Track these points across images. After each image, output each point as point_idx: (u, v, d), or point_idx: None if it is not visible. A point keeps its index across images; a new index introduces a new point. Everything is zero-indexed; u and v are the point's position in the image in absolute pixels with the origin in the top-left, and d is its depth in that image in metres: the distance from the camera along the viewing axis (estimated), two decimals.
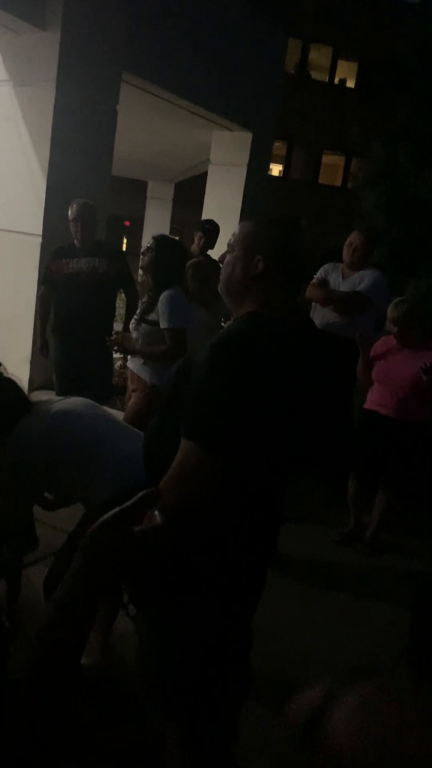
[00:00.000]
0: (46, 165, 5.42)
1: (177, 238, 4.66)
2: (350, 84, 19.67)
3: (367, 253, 4.25)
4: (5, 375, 2.47)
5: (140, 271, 3.87)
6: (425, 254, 5.63)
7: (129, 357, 3.76)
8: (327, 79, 19.44)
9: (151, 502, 0.86)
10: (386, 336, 3.91)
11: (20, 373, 5.46)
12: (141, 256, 3.60)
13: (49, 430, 2.29)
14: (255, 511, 1.49)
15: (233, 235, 1.57)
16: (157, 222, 12.95)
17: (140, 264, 3.60)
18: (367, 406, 3.98)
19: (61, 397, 2.61)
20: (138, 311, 3.65)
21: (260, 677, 1.82)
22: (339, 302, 4.14)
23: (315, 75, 19.33)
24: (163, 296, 3.47)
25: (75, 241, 4.31)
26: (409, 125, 5.92)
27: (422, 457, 3.81)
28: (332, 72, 19.46)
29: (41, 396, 3.69)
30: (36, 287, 4.93)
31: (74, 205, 4.29)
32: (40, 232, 5.47)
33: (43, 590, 2.62)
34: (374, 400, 3.93)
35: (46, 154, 5.40)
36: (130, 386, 3.79)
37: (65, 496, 2.59)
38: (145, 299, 3.62)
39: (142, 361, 3.60)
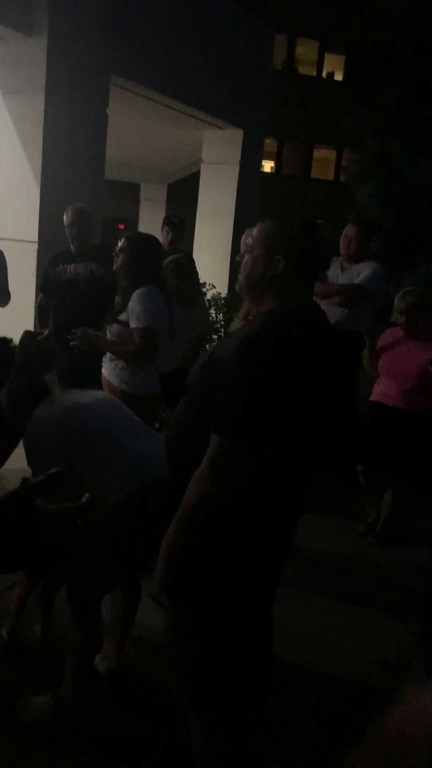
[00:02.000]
0: (39, 171, 5.42)
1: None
2: (338, 77, 19.65)
3: (364, 244, 4.24)
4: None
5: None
6: (421, 244, 5.63)
7: (103, 363, 3.51)
8: (315, 73, 19.41)
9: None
10: (393, 327, 3.90)
11: None
12: (114, 258, 3.37)
13: (67, 419, 2.20)
14: (283, 501, 1.56)
15: (250, 234, 1.63)
16: (151, 223, 12.92)
17: (114, 266, 3.37)
18: (373, 397, 3.97)
19: (80, 392, 2.50)
20: (111, 311, 3.44)
21: (280, 668, 1.82)
22: (338, 295, 4.13)
23: (302, 70, 19.30)
24: (135, 294, 3.22)
25: (71, 247, 4.31)
26: (401, 114, 5.92)
27: (429, 447, 3.80)
28: (320, 66, 19.42)
29: None
30: (34, 294, 4.93)
31: (69, 211, 4.28)
32: (36, 239, 5.47)
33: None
34: (380, 391, 3.92)
35: (39, 160, 5.40)
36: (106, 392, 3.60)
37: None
38: (117, 300, 3.42)
39: (112, 365, 3.39)
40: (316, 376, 1.49)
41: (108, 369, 3.42)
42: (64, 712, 2.17)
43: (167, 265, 4.06)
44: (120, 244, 3.36)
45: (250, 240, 1.62)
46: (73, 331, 3.34)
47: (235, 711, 1.55)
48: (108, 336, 3.37)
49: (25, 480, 2.17)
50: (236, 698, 1.54)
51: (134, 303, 3.21)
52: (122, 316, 3.29)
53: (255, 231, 1.63)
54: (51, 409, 2.22)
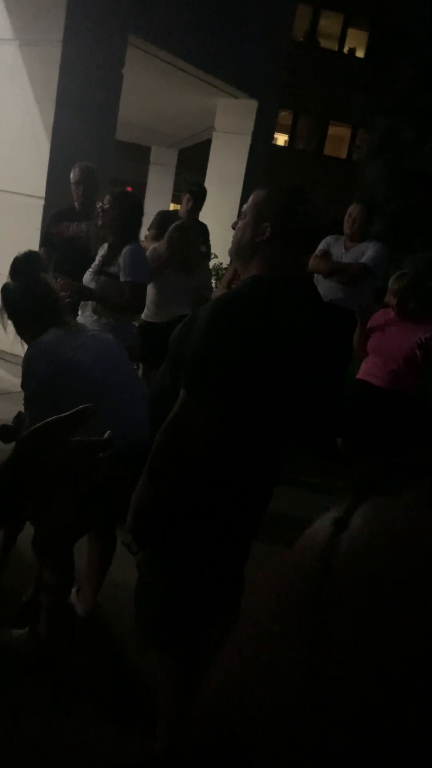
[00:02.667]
0: (51, 126, 5.42)
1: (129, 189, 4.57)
2: (359, 54, 19.36)
3: (366, 224, 4.31)
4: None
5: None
6: (422, 227, 5.68)
7: (80, 314, 3.59)
8: (336, 48, 19.12)
9: (85, 417, 0.90)
10: (385, 308, 3.99)
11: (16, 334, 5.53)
12: (99, 213, 3.51)
13: (69, 360, 2.18)
14: (247, 463, 1.60)
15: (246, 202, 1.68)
16: (159, 188, 12.87)
17: (99, 221, 3.52)
18: (359, 376, 4.07)
19: (94, 331, 2.48)
20: (95, 263, 3.57)
21: None
22: (342, 273, 4.21)
23: (324, 43, 19.01)
24: (128, 249, 3.41)
25: (75, 204, 4.35)
26: (412, 94, 5.91)
27: (410, 427, 3.91)
28: (342, 41, 19.13)
29: None
30: (38, 249, 4.97)
31: (77, 168, 4.32)
32: (43, 195, 5.49)
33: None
34: (367, 370, 4.02)
35: (51, 114, 5.40)
36: None
37: None
38: (104, 252, 3.54)
39: (89, 316, 3.48)
40: (290, 344, 1.52)
41: (84, 319, 3.46)
42: (39, 644, 2.30)
43: (171, 231, 4.12)
44: (106, 201, 3.49)
45: (244, 207, 1.68)
46: (58, 280, 3.39)
47: (195, 652, 1.63)
48: (93, 287, 3.48)
49: (18, 416, 2.24)
50: (197, 641, 1.62)
51: (127, 258, 3.38)
52: (111, 269, 3.43)
53: (250, 198, 1.67)
54: (57, 343, 2.20)
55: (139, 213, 3.65)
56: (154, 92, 8.22)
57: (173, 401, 1.51)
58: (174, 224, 4.23)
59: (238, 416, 1.49)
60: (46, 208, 5.39)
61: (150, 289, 3.94)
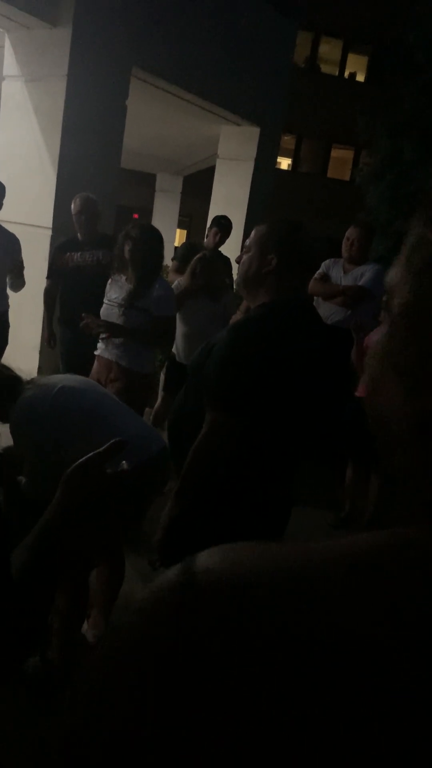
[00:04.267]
0: (57, 158, 5.53)
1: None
2: (360, 78, 19.63)
3: (365, 246, 4.36)
4: None
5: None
6: None
7: (99, 346, 3.62)
8: (337, 73, 19.40)
9: (119, 449, 0.95)
10: (381, 326, 4.02)
11: (30, 361, 5.60)
12: (125, 244, 3.51)
13: (54, 403, 2.24)
14: (271, 475, 1.74)
15: (249, 238, 1.82)
16: (165, 214, 13.04)
17: (127, 253, 3.50)
18: (357, 393, 4.11)
19: (63, 375, 2.57)
20: (115, 296, 3.57)
21: None
22: (341, 296, 4.25)
23: (325, 68, 19.30)
24: (161, 284, 3.54)
25: (78, 234, 4.44)
26: (415, 115, 5.99)
27: None
28: (342, 65, 19.42)
29: None
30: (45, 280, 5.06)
31: (77, 199, 4.41)
32: (50, 225, 5.59)
33: None
34: (362, 387, 4.05)
35: (57, 147, 5.52)
36: (106, 375, 3.56)
37: None
38: (131, 286, 3.52)
39: (113, 343, 3.51)
40: (296, 361, 1.65)
41: (117, 354, 3.53)
42: (50, 671, 2.32)
43: (195, 261, 4.19)
44: (133, 232, 3.51)
45: (248, 242, 1.80)
46: (83, 316, 3.47)
47: None
48: (118, 319, 3.50)
49: (3, 453, 2.30)
50: None
51: (160, 292, 3.48)
52: (141, 303, 3.47)
53: (252, 233, 1.81)
54: (37, 393, 2.28)
55: (162, 246, 3.67)
56: (158, 121, 8.38)
57: (196, 422, 1.64)
58: (197, 256, 4.29)
59: (260, 428, 1.62)
60: (53, 238, 5.48)
61: (178, 321, 4.01)
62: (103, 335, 3.51)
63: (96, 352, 3.64)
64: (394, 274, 0.41)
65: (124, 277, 3.59)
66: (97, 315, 3.59)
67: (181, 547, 1.63)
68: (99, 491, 0.93)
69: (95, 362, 3.66)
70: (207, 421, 1.61)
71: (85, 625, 2.61)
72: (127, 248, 3.50)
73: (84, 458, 0.95)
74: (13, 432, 2.30)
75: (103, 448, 0.95)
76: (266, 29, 7.79)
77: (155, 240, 3.56)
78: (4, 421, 2.34)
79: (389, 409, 0.40)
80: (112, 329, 3.48)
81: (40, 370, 5.59)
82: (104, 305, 3.63)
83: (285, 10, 7.99)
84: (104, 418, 2.30)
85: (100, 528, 0.94)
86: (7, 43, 5.65)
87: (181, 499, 1.66)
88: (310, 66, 18.75)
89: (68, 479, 0.94)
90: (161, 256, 3.66)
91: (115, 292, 3.62)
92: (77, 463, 0.95)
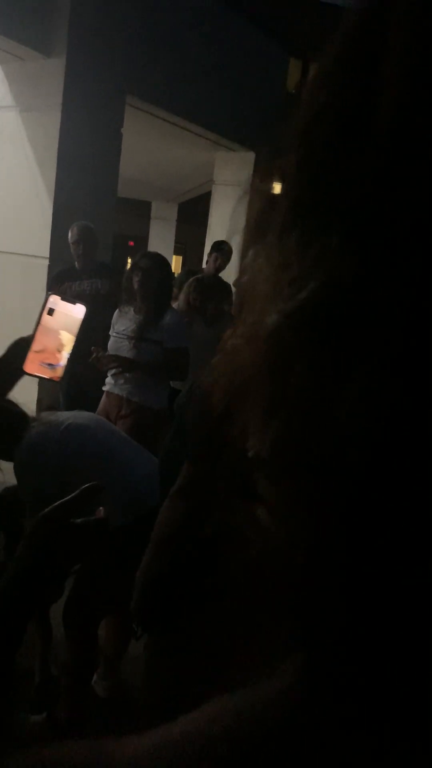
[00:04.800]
0: (53, 188, 5.49)
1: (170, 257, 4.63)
2: None
3: None
4: None
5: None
6: None
7: (108, 381, 3.50)
8: None
9: (93, 495, 0.89)
10: None
11: (29, 393, 5.47)
12: (133, 275, 3.41)
13: (61, 442, 2.18)
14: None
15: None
16: (161, 241, 13.03)
17: (135, 284, 3.39)
18: None
19: (71, 413, 2.51)
20: (131, 329, 3.44)
21: None
22: None
23: None
24: (174, 316, 3.45)
25: (76, 264, 4.35)
26: None
27: None
28: None
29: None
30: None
31: (74, 228, 4.33)
32: (47, 255, 5.52)
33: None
34: None
35: (53, 177, 5.47)
36: (116, 412, 3.44)
37: None
38: (140, 318, 3.42)
39: (123, 378, 3.39)
40: None
41: (128, 389, 3.40)
42: (57, 730, 2.16)
43: (190, 284, 4.12)
44: (142, 262, 3.42)
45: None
46: (93, 349, 3.32)
47: None
48: (128, 352, 3.37)
49: (4, 493, 2.17)
50: None
51: (172, 324, 3.37)
52: (152, 336, 3.35)
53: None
54: (42, 431, 2.20)
55: (172, 275, 3.66)
56: (154, 149, 8.38)
57: (178, 465, 1.44)
58: (192, 278, 4.23)
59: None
60: (50, 267, 5.41)
61: None
62: (115, 371, 3.38)
63: (105, 388, 3.51)
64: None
65: (132, 309, 3.47)
66: (96, 345, 3.45)
67: (161, 608, 1.46)
68: (68, 545, 0.85)
69: (104, 397, 3.52)
70: (183, 471, 1.41)
71: (94, 677, 2.46)
72: (135, 279, 3.38)
73: (49, 508, 0.86)
74: (17, 472, 2.21)
75: (73, 495, 0.87)
76: (258, 56, 7.83)
77: (165, 269, 3.49)
78: (8, 460, 2.25)
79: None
80: (123, 364, 3.34)
81: (39, 402, 5.48)
82: (112, 338, 3.49)
83: (277, 38, 8.05)
84: (113, 458, 2.21)
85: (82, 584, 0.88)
86: (1, 74, 5.64)
87: (159, 555, 1.47)
88: (300, 92, 19.00)
89: (31, 534, 0.84)
90: (171, 286, 3.61)
91: (122, 324, 3.49)
92: (41, 514, 0.86)
